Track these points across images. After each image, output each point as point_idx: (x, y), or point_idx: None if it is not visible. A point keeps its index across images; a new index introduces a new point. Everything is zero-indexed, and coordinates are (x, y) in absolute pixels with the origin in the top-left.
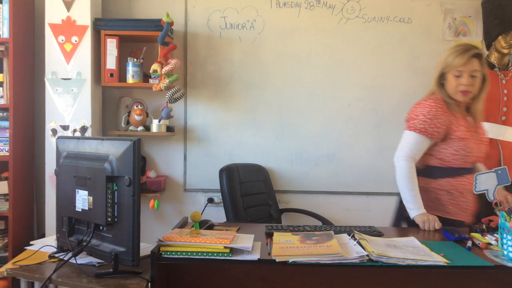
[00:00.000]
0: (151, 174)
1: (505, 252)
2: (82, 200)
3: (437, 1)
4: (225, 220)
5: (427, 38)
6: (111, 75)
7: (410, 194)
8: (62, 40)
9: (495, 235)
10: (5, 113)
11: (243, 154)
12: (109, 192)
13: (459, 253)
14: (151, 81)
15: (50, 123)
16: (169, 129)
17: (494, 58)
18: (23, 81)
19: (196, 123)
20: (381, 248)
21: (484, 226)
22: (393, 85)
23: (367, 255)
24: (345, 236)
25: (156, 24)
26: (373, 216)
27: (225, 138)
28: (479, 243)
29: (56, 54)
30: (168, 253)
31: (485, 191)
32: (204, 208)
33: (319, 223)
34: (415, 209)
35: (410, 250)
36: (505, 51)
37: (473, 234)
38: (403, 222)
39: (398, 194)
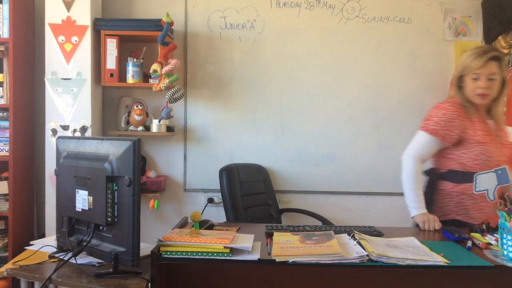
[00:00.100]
0: (151, 174)
1: (505, 252)
2: (82, 200)
3: (437, 1)
4: (225, 220)
5: (427, 38)
6: (111, 75)
7: (413, 193)
8: (62, 40)
9: (495, 235)
10: (5, 113)
11: (243, 154)
12: (109, 192)
13: (459, 253)
14: (151, 81)
15: (50, 123)
16: (169, 129)
17: None
18: (23, 81)
19: (196, 123)
20: (381, 248)
21: (484, 226)
22: (393, 85)
23: (367, 255)
24: (345, 236)
25: (156, 24)
26: (373, 216)
27: (225, 138)
28: (479, 243)
29: (56, 54)
30: (168, 253)
31: (485, 191)
32: (204, 208)
33: (319, 223)
34: (416, 209)
35: (410, 250)
36: (505, 51)
37: (473, 234)
38: None
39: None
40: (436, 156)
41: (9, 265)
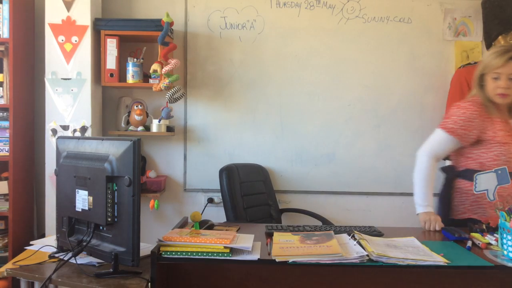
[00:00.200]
0: (151, 174)
1: (505, 252)
2: (82, 200)
3: (437, 1)
4: (225, 220)
5: (427, 38)
6: (111, 75)
7: (422, 190)
8: (62, 40)
9: (495, 235)
10: (5, 113)
11: (243, 154)
12: (109, 192)
13: (459, 253)
14: (151, 81)
15: (50, 123)
16: (169, 129)
17: None
18: (23, 81)
19: (196, 123)
20: (381, 248)
21: (484, 226)
22: (393, 85)
23: (367, 255)
24: (345, 236)
25: (156, 24)
26: (373, 216)
27: (225, 138)
28: (479, 243)
29: (56, 54)
30: (168, 253)
31: (485, 191)
32: (204, 208)
33: (319, 223)
34: (423, 206)
35: (410, 250)
36: None
37: (473, 234)
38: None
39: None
40: (455, 154)
41: (9, 265)
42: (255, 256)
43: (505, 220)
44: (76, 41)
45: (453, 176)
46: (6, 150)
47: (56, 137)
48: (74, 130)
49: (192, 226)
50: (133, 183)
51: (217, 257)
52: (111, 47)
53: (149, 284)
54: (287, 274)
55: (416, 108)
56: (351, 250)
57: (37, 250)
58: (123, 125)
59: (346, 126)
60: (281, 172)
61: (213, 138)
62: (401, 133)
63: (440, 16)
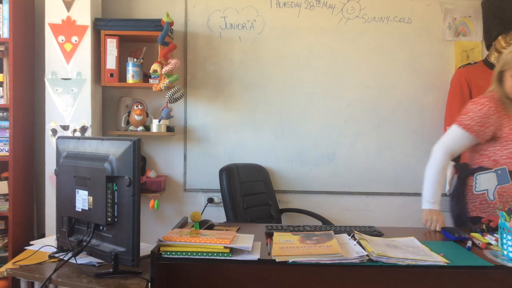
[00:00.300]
0: (151, 174)
1: (505, 252)
2: (82, 200)
3: (437, 1)
4: (225, 220)
5: (427, 38)
6: (111, 75)
7: (431, 186)
8: (62, 40)
9: (495, 235)
10: (5, 113)
11: (243, 154)
12: (109, 192)
13: (459, 253)
14: (151, 81)
15: (50, 123)
16: (169, 129)
17: (494, 58)
18: (23, 81)
19: (196, 123)
20: (381, 248)
21: (484, 226)
22: (393, 85)
23: (367, 255)
24: (345, 236)
25: (156, 24)
26: (373, 216)
27: (225, 138)
28: (479, 243)
29: (56, 54)
30: (168, 253)
31: (485, 191)
32: (204, 208)
33: (319, 223)
34: (429, 203)
35: (410, 250)
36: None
37: (473, 234)
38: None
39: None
40: (470, 151)
41: (9, 265)
42: (255, 256)
43: (505, 220)
44: (76, 41)
45: (466, 174)
46: (6, 150)
47: (56, 137)
48: (74, 130)
49: (192, 226)
50: (133, 183)
51: (217, 257)
52: (111, 47)
53: (149, 284)
54: (287, 274)
55: (416, 108)
56: (351, 250)
57: (37, 250)
58: (123, 125)
59: (346, 126)
60: (281, 172)
61: (213, 138)
62: (401, 133)
63: (440, 16)
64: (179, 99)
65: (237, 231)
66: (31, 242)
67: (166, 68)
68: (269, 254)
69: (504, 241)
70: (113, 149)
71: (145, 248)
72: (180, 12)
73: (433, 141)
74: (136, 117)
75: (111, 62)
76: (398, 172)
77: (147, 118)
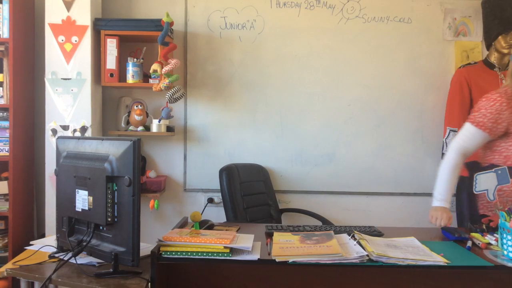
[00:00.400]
0: (151, 174)
1: (505, 252)
2: (82, 200)
3: (437, 1)
4: (225, 220)
5: (427, 38)
6: (111, 75)
7: (440, 184)
8: (62, 40)
9: (495, 235)
10: (5, 113)
11: (243, 154)
12: (109, 192)
13: (459, 253)
14: (151, 81)
15: (50, 123)
16: (169, 129)
17: (494, 58)
18: (23, 81)
19: (196, 123)
20: (381, 248)
21: (484, 226)
22: (393, 85)
23: (367, 255)
24: (345, 236)
25: (156, 24)
26: (373, 216)
27: (225, 138)
28: (479, 243)
29: (56, 54)
30: (168, 253)
31: (485, 191)
32: (204, 208)
33: (319, 223)
34: (438, 200)
35: (410, 250)
36: (505, 51)
37: (473, 234)
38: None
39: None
40: (482, 148)
41: (9, 265)
42: (255, 256)
43: (505, 220)
44: (76, 41)
45: (477, 172)
46: (6, 150)
47: (56, 137)
48: (74, 130)
49: (192, 226)
50: (133, 183)
51: (217, 257)
52: (111, 47)
53: (149, 284)
54: (287, 274)
55: (416, 108)
56: (351, 250)
57: (37, 250)
58: (123, 125)
59: (346, 126)
60: (281, 172)
61: (213, 138)
62: (401, 133)
63: (440, 16)
64: (179, 99)
65: (237, 231)
66: (31, 242)
67: (166, 68)
68: (269, 254)
69: (504, 241)
70: (113, 149)
71: (145, 248)
72: (180, 12)
73: (433, 141)
74: (136, 117)
75: (111, 62)
76: (398, 172)
77: (147, 118)
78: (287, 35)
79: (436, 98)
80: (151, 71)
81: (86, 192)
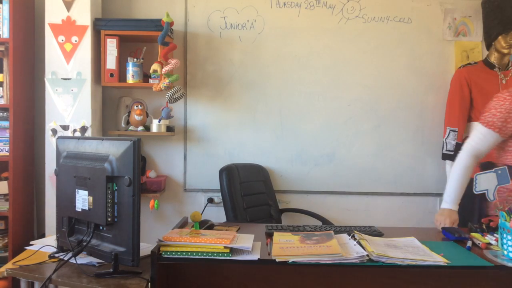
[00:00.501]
0: (151, 174)
1: (505, 252)
2: (82, 200)
3: (437, 1)
4: (225, 220)
5: (427, 38)
6: (111, 75)
7: (451, 186)
8: (62, 40)
9: (495, 235)
10: (5, 113)
11: (243, 154)
12: (109, 192)
13: (459, 253)
14: (151, 81)
15: (50, 123)
16: (169, 129)
17: (494, 58)
18: (23, 81)
19: (196, 123)
20: (381, 248)
21: (484, 226)
22: (393, 85)
23: (367, 255)
24: (345, 236)
25: (156, 24)
26: (373, 216)
27: (225, 138)
28: (479, 243)
29: (56, 54)
30: (168, 253)
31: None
32: (204, 208)
33: (319, 223)
34: (446, 202)
35: (410, 250)
36: (505, 51)
37: (473, 234)
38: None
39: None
40: (496, 149)
41: (9, 265)
42: (255, 256)
43: (505, 220)
44: (76, 41)
45: None
46: (6, 150)
47: (56, 137)
48: (74, 130)
49: (192, 226)
50: (133, 183)
51: (217, 257)
52: (111, 47)
53: (149, 284)
54: (287, 274)
55: (416, 108)
56: (351, 250)
57: (37, 250)
58: (123, 125)
59: (346, 126)
60: (281, 172)
61: (213, 138)
62: (401, 133)
63: (440, 16)
64: (179, 99)
65: (237, 231)
66: (31, 242)
67: (166, 68)
68: (269, 254)
69: (504, 241)
70: (113, 149)
71: (145, 248)
72: (180, 12)
73: (433, 141)
74: (136, 117)
75: (111, 62)
76: (398, 172)
77: (147, 118)
78: (287, 35)
79: (436, 98)
80: (151, 71)
81: (86, 192)
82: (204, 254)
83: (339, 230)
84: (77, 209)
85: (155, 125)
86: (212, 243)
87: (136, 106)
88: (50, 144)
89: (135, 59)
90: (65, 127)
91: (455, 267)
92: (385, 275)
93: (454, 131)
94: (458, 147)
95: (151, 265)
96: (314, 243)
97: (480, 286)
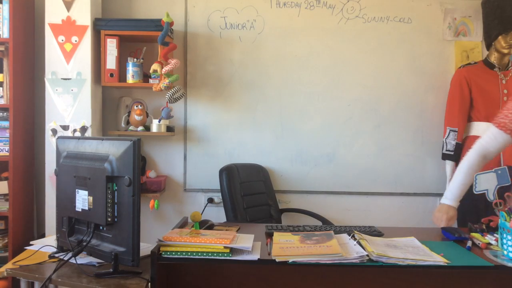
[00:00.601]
0: (151, 174)
1: (505, 252)
2: (82, 200)
3: (437, 1)
4: (225, 220)
5: (427, 38)
6: (111, 75)
7: (455, 182)
8: (62, 40)
9: (495, 235)
10: (5, 113)
11: (243, 154)
12: (109, 192)
13: (459, 253)
14: (151, 81)
15: (50, 123)
16: (169, 129)
17: (494, 58)
18: (23, 81)
19: (196, 123)
20: (381, 248)
21: (484, 226)
22: (393, 85)
23: (367, 255)
24: (345, 236)
25: (156, 24)
26: (373, 216)
27: (225, 138)
28: (479, 243)
29: (56, 54)
30: (168, 253)
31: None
32: (204, 208)
33: (319, 223)
34: (446, 198)
35: (410, 250)
36: (505, 51)
37: (473, 234)
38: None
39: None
40: None
41: (9, 265)
42: (255, 256)
43: (505, 220)
44: (76, 41)
45: None
46: (6, 150)
47: (56, 137)
48: (74, 130)
49: (192, 226)
50: (133, 183)
51: (217, 257)
52: (111, 47)
53: (149, 284)
54: (287, 274)
55: (416, 108)
56: (351, 250)
57: (37, 250)
58: (123, 125)
59: (346, 126)
60: (281, 172)
61: (213, 138)
62: (401, 133)
63: (440, 16)
64: (179, 99)
65: (237, 231)
66: (31, 242)
67: (166, 68)
68: (269, 254)
69: (504, 241)
70: (113, 149)
71: (145, 248)
72: (180, 12)
73: (433, 141)
74: (136, 117)
75: (111, 62)
76: (398, 172)
77: (147, 118)
78: (287, 35)
79: (436, 98)
80: (151, 71)
81: (86, 192)
82: (204, 254)
83: (339, 230)
84: (77, 209)
85: (155, 125)
86: (212, 243)
87: (136, 106)
88: (50, 144)
89: (135, 59)
90: (65, 127)
91: (455, 267)
92: (385, 275)
93: (454, 131)
94: (458, 147)
95: (151, 265)
96: (314, 243)
97: (480, 286)
